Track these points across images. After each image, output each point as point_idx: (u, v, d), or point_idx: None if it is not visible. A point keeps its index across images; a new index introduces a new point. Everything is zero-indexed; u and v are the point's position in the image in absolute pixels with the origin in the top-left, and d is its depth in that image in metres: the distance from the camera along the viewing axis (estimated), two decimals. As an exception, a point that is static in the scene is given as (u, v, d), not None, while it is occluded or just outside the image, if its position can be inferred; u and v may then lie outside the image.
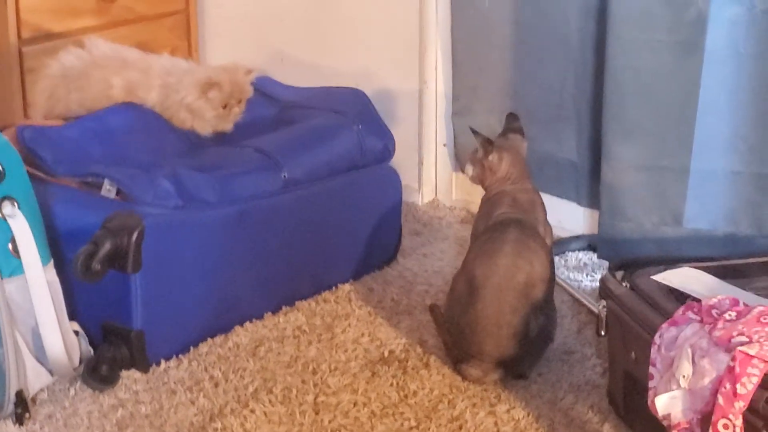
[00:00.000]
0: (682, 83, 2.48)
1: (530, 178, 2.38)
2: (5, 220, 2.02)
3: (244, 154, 2.46)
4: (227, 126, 2.55)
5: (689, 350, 1.75)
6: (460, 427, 2.08)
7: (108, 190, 2.30)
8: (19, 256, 2.04)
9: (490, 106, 2.89)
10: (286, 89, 2.79)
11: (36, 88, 2.67)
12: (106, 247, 2.11)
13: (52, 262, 2.11)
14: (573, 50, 2.70)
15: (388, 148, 2.66)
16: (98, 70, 2.58)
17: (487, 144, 2.34)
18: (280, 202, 2.41)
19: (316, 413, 2.12)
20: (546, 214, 2.36)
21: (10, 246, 2.03)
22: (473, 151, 2.39)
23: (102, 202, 2.27)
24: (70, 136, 2.49)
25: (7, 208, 2.02)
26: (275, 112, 2.68)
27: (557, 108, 2.77)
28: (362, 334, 2.39)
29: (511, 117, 2.44)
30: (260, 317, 2.44)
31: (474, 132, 2.35)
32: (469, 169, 2.39)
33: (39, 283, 2.06)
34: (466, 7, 2.91)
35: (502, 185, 2.35)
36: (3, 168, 2.02)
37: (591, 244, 2.77)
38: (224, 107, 2.52)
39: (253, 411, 2.12)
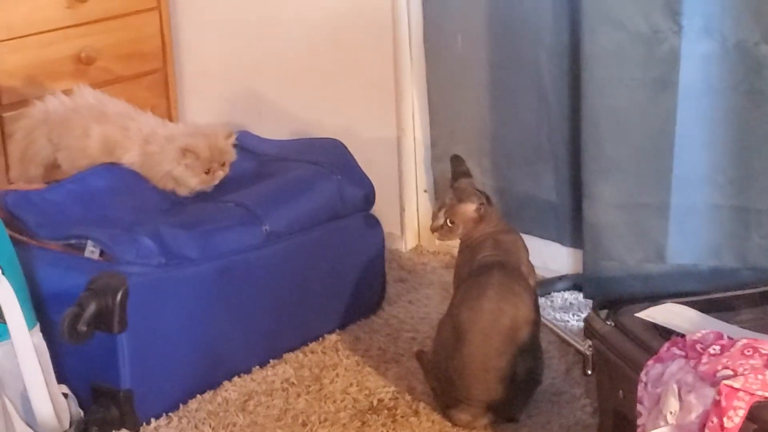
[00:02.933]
0: (657, 119, 2.50)
1: (503, 216, 2.39)
2: (-11, 286, 2.02)
3: (225, 209, 2.47)
4: (210, 187, 2.57)
5: (675, 386, 1.75)
6: (452, 473, 2.09)
7: (91, 251, 2.31)
8: (4, 321, 2.03)
9: (469, 149, 2.90)
10: (264, 142, 2.80)
11: (16, 125, 2.69)
12: (91, 308, 2.11)
13: (38, 325, 2.10)
14: (548, 91, 2.72)
15: (368, 197, 2.68)
16: (78, 117, 2.60)
17: (486, 201, 2.34)
18: (263, 255, 2.42)
19: (308, 466, 2.12)
20: (528, 254, 2.37)
21: (-6, 312, 2.03)
22: (449, 210, 2.36)
23: (86, 264, 2.28)
24: (53, 199, 2.50)
25: (-9, 274, 2.03)
26: (255, 165, 2.69)
27: (535, 149, 2.79)
28: (351, 384, 2.39)
29: (457, 160, 2.45)
30: (248, 371, 2.44)
31: (465, 195, 2.35)
32: (459, 227, 2.34)
33: (26, 348, 2.05)
34: (440, 52, 2.93)
35: (485, 229, 2.35)
36: (-15, 234, 2.03)
37: (576, 283, 2.78)
38: (207, 172, 2.53)
39: (244, 466, 2.12)
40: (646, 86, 2.48)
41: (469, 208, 2.34)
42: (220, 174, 2.56)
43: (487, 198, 2.37)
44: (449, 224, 2.35)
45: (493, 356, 2.17)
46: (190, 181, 2.53)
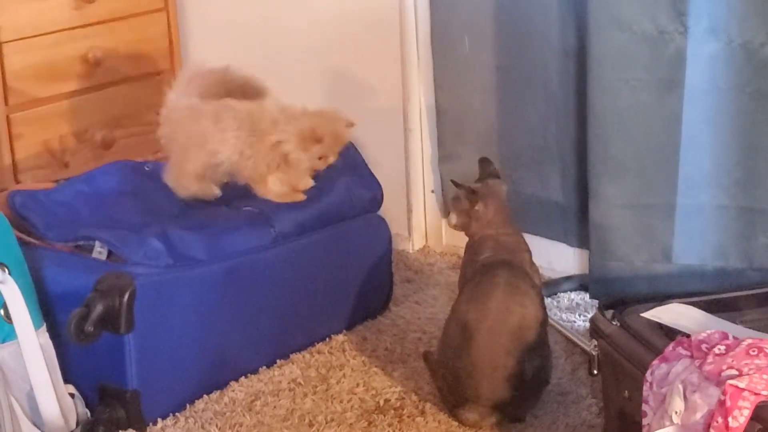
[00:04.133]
0: (663, 120, 2.50)
1: (512, 221, 2.39)
2: (-4, 286, 2.03)
3: (233, 212, 2.47)
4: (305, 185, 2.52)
5: (680, 386, 1.75)
6: (458, 473, 2.09)
7: (99, 252, 2.32)
8: (11, 322, 2.05)
9: (476, 150, 2.90)
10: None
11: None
12: (99, 309, 2.12)
13: (44, 326, 2.12)
14: (554, 92, 2.73)
15: (376, 198, 2.68)
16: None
17: (472, 194, 2.35)
18: (271, 256, 2.43)
19: (314, 466, 2.13)
20: (531, 256, 2.37)
21: (1, 312, 2.04)
22: (454, 200, 2.39)
23: (93, 265, 2.29)
24: (61, 199, 2.52)
25: (-2, 274, 2.04)
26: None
27: (541, 150, 2.79)
28: (357, 384, 2.40)
29: (485, 162, 2.46)
30: (255, 371, 2.45)
31: (456, 184, 2.36)
32: (453, 218, 2.40)
33: (32, 348, 2.07)
34: (448, 53, 2.94)
35: (486, 230, 2.36)
36: (-8, 235, 2.04)
37: (582, 283, 2.78)
38: (320, 158, 2.48)
39: (250, 466, 2.13)
40: (652, 87, 2.48)
41: (459, 205, 2.36)
42: (331, 160, 2.49)
43: (497, 199, 2.37)
44: (448, 216, 2.40)
45: (501, 355, 2.17)
46: (302, 164, 2.45)
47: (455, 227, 2.41)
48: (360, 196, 2.64)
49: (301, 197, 2.53)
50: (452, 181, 2.39)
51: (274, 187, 2.50)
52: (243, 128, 2.46)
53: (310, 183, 2.53)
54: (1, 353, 2.04)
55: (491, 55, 2.84)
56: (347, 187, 2.62)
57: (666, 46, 2.44)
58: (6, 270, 2.05)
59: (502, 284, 2.22)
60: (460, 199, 2.38)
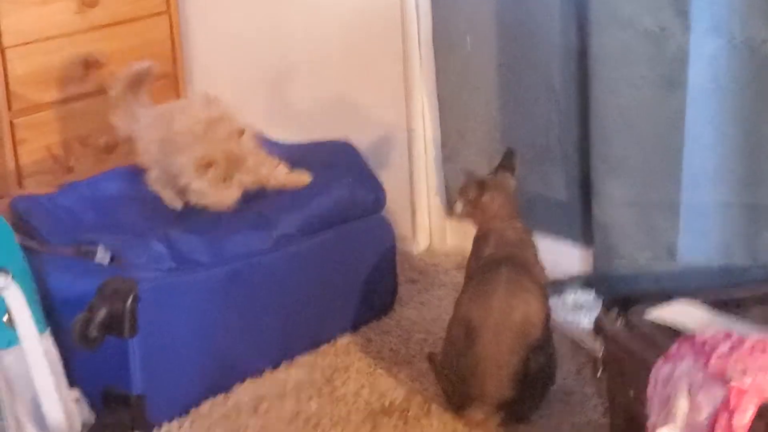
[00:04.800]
0: (666, 118, 2.49)
1: (520, 216, 2.38)
2: (-1, 292, 2.04)
3: (235, 215, 2.47)
4: (232, 197, 2.49)
5: (685, 385, 1.75)
6: (464, 475, 2.09)
7: (102, 256, 2.31)
8: (14, 327, 2.05)
9: (479, 149, 2.91)
10: (276, 146, 2.80)
11: None
12: (102, 313, 2.12)
13: (48, 330, 2.12)
14: (557, 90, 2.72)
15: (379, 199, 2.67)
16: None
17: (480, 184, 2.34)
18: (274, 259, 2.43)
19: (319, 468, 2.13)
20: (537, 252, 2.36)
21: (5, 317, 2.04)
22: (462, 189, 2.39)
23: (96, 269, 2.28)
24: (64, 203, 2.52)
25: (1, 280, 2.03)
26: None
27: (544, 148, 2.79)
28: (362, 386, 2.39)
29: (508, 153, 2.44)
30: (260, 374, 2.44)
31: (467, 172, 2.35)
32: (459, 206, 2.39)
33: (36, 353, 2.07)
34: (450, 53, 2.93)
35: (492, 223, 2.35)
36: (-5, 241, 2.05)
37: (587, 282, 2.77)
38: (224, 180, 2.47)
39: (256, 469, 2.13)
40: (655, 85, 2.47)
41: (467, 195, 2.36)
42: (244, 179, 2.48)
43: (504, 192, 2.36)
44: (454, 205, 2.39)
45: (505, 353, 2.17)
46: (207, 192, 2.46)
47: (460, 216, 2.40)
48: (362, 197, 2.64)
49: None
50: (464, 170, 2.37)
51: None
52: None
53: (235, 195, 2.48)
54: (5, 358, 2.04)
55: (493, 53, 2.83)
56: (349, 188, 2.61)
57: (668, 44, 2.43)
58: (9, 275, 2.05)
59: (504, 281, 2.21)
60: (467, 188, 2.37)
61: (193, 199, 2.49)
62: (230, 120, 2.51)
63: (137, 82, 2.66)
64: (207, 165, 2.43)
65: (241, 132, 2.50)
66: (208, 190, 2.46)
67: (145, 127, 2.60)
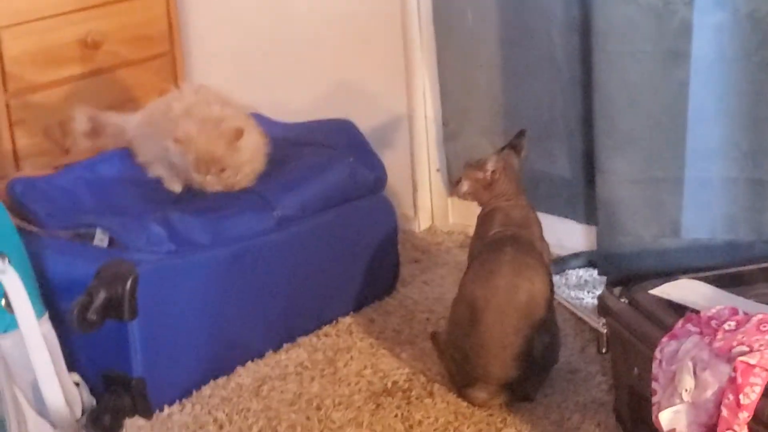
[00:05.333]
0: (670, 92, 2.48)
1: (525, 194, 2.36)
2: (-4, 276, 2.02)
3: (236, 195, 2.45)
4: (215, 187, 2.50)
5: (690, 363, 1.73)
6: (468, 455, 2.08)
7: (100, 239, 2.29)
8: (12, 312, 2.03)
9: (481, 127, 2.89)
10: (276, 125, 2.78)
11: None
12: (101, 296, 2.10)
13: (47, 314, 2.10)
14: (559, 66, 2.70)
15: (380, 179, 2.65)
16: None
17: (485, 164, 2.32)
18: (274, 240, 2.41)
19: (322, 449, 2.12)
20: (542, 231, 2.34)
21: (2, 302, 2.02)
22: (467, 168, 2.36)
23: (95, 252, 2.27)
24: (62, 185, 2.50)
25: (-2, 264, 2.02)
26: (267, 149, 2.68)
27: (547, 125, 2.77)
28: (365, 367, 2.38)
29: (519, 134, 2.41)
30: (261, 356, 2.43)
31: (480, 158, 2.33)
32: (464, 185, 2.36)
33: (34, 337, 2.04)
34: (451, 29, 2.91)
35: (496, 202, 2.33)
36: (-10, 225, 2.02)
37: (591, 260, 2.76)
38: (222, 171, 2.46)
39: (258, 452, 2.11)
40: (659, 59, 2.45)
41: (475, 174, 2.33)
42: (226, 176, 2.47)
43: (510, 170, 2.34)
44: (458, 183, 2.36)
45: (510, 333, 2.15)
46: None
47: (465, 195, 2.37)
48: (363, 177, 2.62)
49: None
50: (469, 149, 2.34)
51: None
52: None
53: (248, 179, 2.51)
54: (4, 343, 2.02)
55: (495, 29, 2.81)
56: (350, 168, 2.59)
57: (671, 18, 2.42)
58: (6, 259, 2.03)
59: (509, 261, 2.20)
60: (472, 167, 2.34)
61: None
62: (229, 120, 2.50)
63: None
64: (206, 163, 2.43)
65: (239, 134, 2.46)
66: (213, 184, 2.47)
67: (138, 126, 2.59)
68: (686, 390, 1.72)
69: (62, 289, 2.17)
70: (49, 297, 2.14)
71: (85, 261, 2.20)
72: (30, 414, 2.07)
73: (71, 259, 2.24)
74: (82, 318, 2.09)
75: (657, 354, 1.82)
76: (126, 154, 2.62)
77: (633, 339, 1.96)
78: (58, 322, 2.12)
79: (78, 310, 2.09)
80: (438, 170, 3.05)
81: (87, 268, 2.15)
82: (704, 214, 2.53)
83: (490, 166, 2.32)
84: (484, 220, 2.35)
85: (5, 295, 2.02)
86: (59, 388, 2.08)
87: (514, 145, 2.39)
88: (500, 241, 2.25)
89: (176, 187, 2.53)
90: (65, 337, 2.13)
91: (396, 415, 2.20)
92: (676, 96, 2.46)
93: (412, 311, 2.62)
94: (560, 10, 2.66)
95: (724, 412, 1.65)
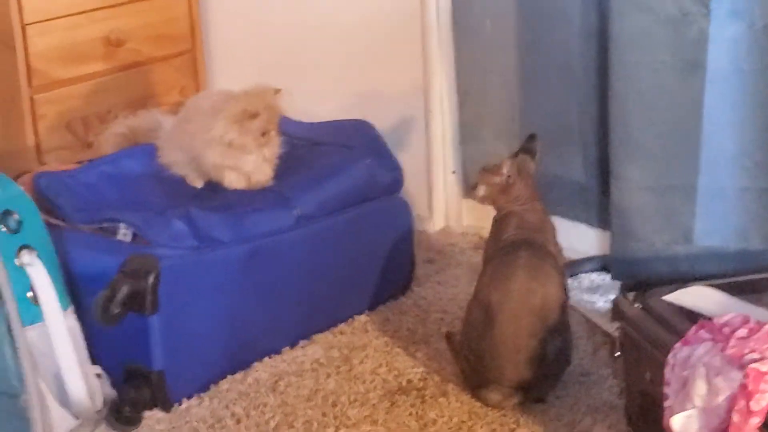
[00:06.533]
0: (685, 102, 2.50)
1: (540, 198, 2.39)
2: (23, 268, 2.05)
3: (256, 193, 2.49)
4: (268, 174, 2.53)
5: (702, 369, 1.76)
6: (481, 454, 2.11)
7: (124, 234, 2.33)
8: (38, 304, 2.07)
9: (497, 131, 2.91)
10: (295, 125, 2.81)
11: None
12: (124, 290, 2.14)
13: (71, 307, 2.14)
14: (576, 73, 2.73)
15: (397, 180, 2.68)
16: None
17: (502, 168, 2.34)
18: (293, 238, 2.44)
19: (338, 446, 2.15)
20: (556, 235, 2.37)
21: (29, 294, 2.06)
22: (483, 172, 2.39)
23: (118, 247, 2.30)
24: (86, 180, 2.53)
25: (25, 257, 2.06)
26: (286, 149, 2.70)
27: (563, 131, 2.79)
28: (380, 365, 2.41)
29: (531, 137, 2.44)
30: (278, 352, 2.46)
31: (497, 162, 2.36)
32: (481, 190, 2.38)
33: (59, 330, 2.09)
34: (469, 35, 2.93)
35: (512, 206, 2.36)
36: (20, 218, 2.06)
37: (603, 265, 2.78)
38: (263, 135, 2.48)
39: (275, 446, 2.15)
40: (674, 69, 2.48)
41: (491, 178, 2.35)
42: (274, 136, 2.51)
43: (526, 175, 2.37)
44: (474, 188, 2.39)
45: (524, 336, 2.18)
46: (249, 146, 2.46)
47: (482, 199, 2.39)
48: (381, 177, 2.65)
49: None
50: (485, 153, 2.36)
51: (234, 183, 2.52)
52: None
53: (270, 174, 2.54)
54: (29, 335, 2.06)
55: (513, 36, 2.84)
56: (368, 168, 2.62)
57: (688, 28, 2.44)
58: (33, 253, 2.07)
59: (523, 265, 2.22)
60: (489, 172, 2.37)
61: (229, 178, 2.51)
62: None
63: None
64: (251, 116, 2.44)
65: (278, 90, 2.50)
66: (251, 148, 2.46)
67: (169, 129, 2.63)
68: (698, 395, 1.75)
69: (86, 282, 2.21)
70: (73, 290, 2.18)
71: (109, 255, 2.24)
72: (53, 404, 2.10)
73: (95, 253, 2.28)
74: (105, 311, 2.13)
75: (670, 359, 1.84)
76: (149, 149, 2.65)
77: (646, 344, 1.99)
78: (81, 315, 2.16)
79: (101, 304, 2.12)
80: (453, 172, 3.08)
81: (111, 262, 2.19)
82: (717, 223, 2.55)
83: (505, 171, 2.34)
84: (499, 224, 2.37)
85: (32, 288, 2.07)
86: (82, 380, 2.11)
87: (528, 150, 2.41)
88: (515, 245, 2.28)
89: (198, 183, 2.56)
90: (88, 329, 2.17)
91: (410, 414, 2.23)
92: (691, 106, 2.48)
93: (427, 311, 2.65)
94: (578, 19, 2.69)
95: (736, 417, 1.68)
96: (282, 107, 2.52)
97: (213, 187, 2.55)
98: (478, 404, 2.25)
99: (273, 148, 2.53)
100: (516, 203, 2.35)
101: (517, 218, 2.33)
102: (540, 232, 2.33)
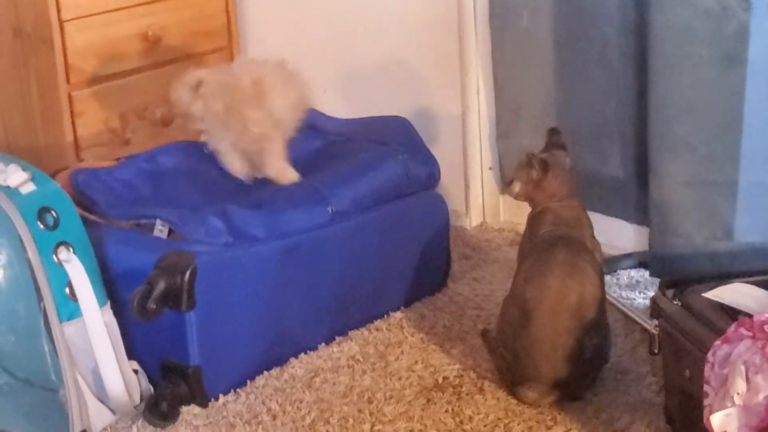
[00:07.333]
0: (725, 97, 2.48)
1: (578, 194, 2.37)
2: (61, 265, 2.07)
3: (292, 189, 2.49)
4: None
5: (742, 367, 1.74)
6: (518, 451, 2.10)
7: (160, 230, 2.34)
8: (76, 300, 2.08)
9: (534, 126, 2.90)
10: (331, 120, 2.81)
11: None
12: (160, 286, 2.14)
13: (108, 303, 2.15)
14: (614, 68, 2.71)
15: (433, 175, 2.68)
16: None
17: (538, 164, 2.33)
18: (328, 234, 2.44)
19: (374, 442, 2.15)
20: (593, 230, 2.35)
21: (67, 290, 2.07)
22: (519, 168, 2.38)
23: (155, 243, 2.31)
24: (122, 177, 2.55)
25: (63, 253, 2.07)
26: (322, 145, 2.71)
27: (601, 126, 2.78)
28: (416, 362, 2.41)
29: (553, 132, 2.43)
30: (314, 348, 2.47)
31: (531, 155, 2.33)
32: (516, 186, 2.37)
33: (97, 325, 2.10)
34: (506, 29, 2.92)
35: (547, 202, 2.34)
36: (57, 215, 2.07)
37: (642, 261, 2.76)
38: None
39: (311, 442, 2.15)
40: (715, 63, 2.45)
41: (525, 174, 2.34)
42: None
43: (562, 170, 2.35)
44: (510, 184, 2.38)
45: (561, 334, 2.17)
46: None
47: (517, 196, 2.38)
48: (417, 173, 2.64)
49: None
50: (527, 153, 2.35)
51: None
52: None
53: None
54: (67, 330, 2.07)
55: (550, 30, 2.82)
56: (403, 164, 2.61)
57: (728, 22, 2.42)
58: (71, 249, 2.08)
59: (560, 262, 2.21)
60: (525, 168, 2.35)
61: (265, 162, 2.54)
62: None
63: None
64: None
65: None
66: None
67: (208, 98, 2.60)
68: (738, 393, 1.73)
69: (123, 278, 2.22)
70: (110, 286, 2.19)
71: (145, 251, 2.24)
72: (90, 399, 2.12)
73: (132, 249, 2.28)
74: (142, 307, 2.13)
75: (709, 357, 1.82)
76: (184, 146, 2.67)
77: (685, 341, 1.97)
78: (118, 310, 2.17)
79: (138, 300, 2.12)
80: (490, 168, 3.07)
81: (147, 259, 2.19)
82: (757, 219, 2.53)
83: (538, 166, 2.33)
84: (533, 221, 2.36)
85: (69, 284, 2.08)
86: (119, 376, 2.13)
87: (558, 144, 2.40)
88: (551, 242, 2.26)
89: (243, 174, 2.58)
90: (125, 325, 2.17)
91: (446, 410, 2.22)
92: (732, 100, 2.46)
93: (462, 307, 2.64)
94: (616, 13, 2.67)
95: (776, 416, 1.67)
96: (311, 99, 2.56)
97: (249, 185, 2.55)
98: (515, 401, 2.24)
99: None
100: (552, 199, 2.33)
101: (552, 214, 2.32)
102: (576, 228, 2.32)
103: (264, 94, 2.53)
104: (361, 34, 3.18)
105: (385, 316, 2.60)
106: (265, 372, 2.38)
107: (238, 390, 2.32)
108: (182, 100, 2.54)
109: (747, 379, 1.73)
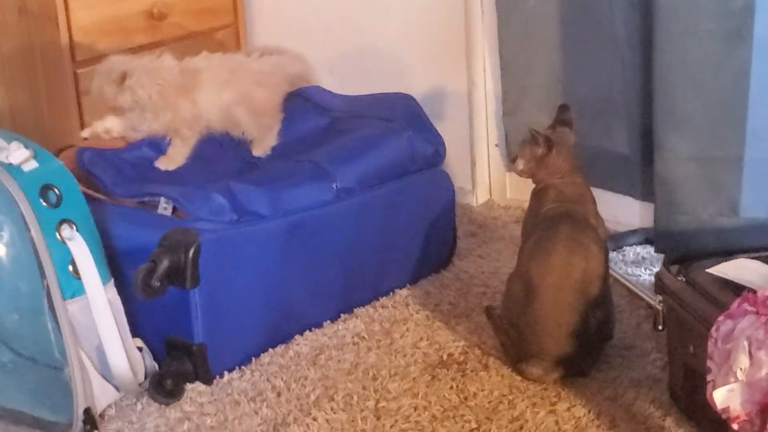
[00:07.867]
0: (731, 72, 2.46)
1: (581, 171, 2.36)
2: (65, 242, 2.07)
3: (296, 166, 2.48)
4: None
5: (746, 342, 1.74)
6: (521, 427, 2.09)
7: (164, 208, 2.34)
8: (79, 277, 2.08)
9: (540, 103, 2.89)
10: (336, 98, 2.80)
11: None
12: (164, 264, 2.14)
13: (112, 281, 2.15)
14: (620, 44, 2.69)
15: (439, 152, 2.67)
16: None
17: (542, 141, 2.32)
18: (333, 211, 2.44)
19: (378, 419, 2.14)
20: (596, 206, 2.34)
21: (70, 268, 2.08)
22: (523, 145, 2.37)
23: (159, 221, 2.31)
24: (128, 158, 2.54)
25: (66, 231, 2.07)
26: (327, 122, 2.70)
27: (607, 102, 2.77)
28: (421, 339, 2.41)
29: (563, 108, 2.41)
30: (319, 325, 2.47)
31: (533, 132, 2.32)
32: (520, 163, 2.36)
33: (100, 303, 2.10)
34: (512, 6, 2.91)
35: (550, 179, 2.34)
36: (60, 192, 2.08)
37: (648, 237, 2.76)
38: None
39: (315, 419, 2.15)
40: (720, 38, 2.44)
41: (529, 151, 2.32)
42: None
43: (566, 147, 2.34)
44: (514, 161, 2.37)
45: (565, 311, 2.17)
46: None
47: (521, 173, 2.37)
48: (422, 150, 2.64)
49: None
50: (530, 130, 2.34)
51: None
52: None
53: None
54: (71, 308, 2.08)
55: (556, 7, 2.81)
56: (409, 141, 2.61)
57: (734, -2, 2.40)
58: (74, 227, 2.08)
59: (564, 239, 2.20)
60: (530, 144, 2.34)
61: None
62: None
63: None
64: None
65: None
66: None
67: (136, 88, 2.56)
68: (741, 369, 1.73)
69: (127, 256, 2.22)
70: (114, 264, 2.19)
71: (149, 229, 2.24)
72: (95, 377, 2.13)
73: (136, 226, 2.29)
74: (146, 285, 2.13)
75: (713, 332, 1.82)
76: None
77: (689, 317, 1.97)
78: (123, 288, 2.17)
79: (142, 277, 2.13)
80: (496, 145, 3.07)
81: (151, 236, 2.19)
82: (763, 194, 2.52)
83: (542, 143, 2.32)
84: (536, 197, 2.35)
85: (73, 262, 2.08)
86: (123, 353, 2.13)
87: (564, 121, 2.38)
88: (555, 218, 2.26)
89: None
90: (129, 303, 2.18)
91: (451, 387, 2.23)
92: (738, 76, 2.45)
93: (468, 285, 2.64)
94: (622, -11, 2.66)
95: (779, 391, 1.66)
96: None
97: (253, 163, 2.55)
98: (519, 378, 2.24)
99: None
100: (555, 176, 2.32)
101: (555, 191, 2.31)
102: (580, 204, 2.31)
103: (193, 86, 2.53)
104: (368, 12, 3.17)
105: (391, 293, 2.60)
106: (270, 349, 2.38)
107: (242, 367, 2.33)
108: (107, 95, 2.52)
109: (750, 354, 1.73)
